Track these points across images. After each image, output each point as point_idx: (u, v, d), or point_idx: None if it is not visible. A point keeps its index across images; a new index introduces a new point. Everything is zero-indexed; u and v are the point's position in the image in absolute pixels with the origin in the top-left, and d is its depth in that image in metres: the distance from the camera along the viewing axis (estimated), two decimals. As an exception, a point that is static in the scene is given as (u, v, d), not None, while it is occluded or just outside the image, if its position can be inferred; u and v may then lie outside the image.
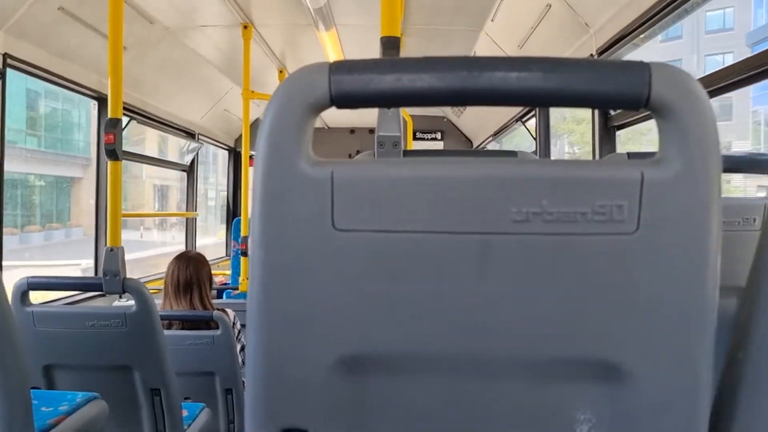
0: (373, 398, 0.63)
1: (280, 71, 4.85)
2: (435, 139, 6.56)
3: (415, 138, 6.34)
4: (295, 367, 0.61)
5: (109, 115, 2.07)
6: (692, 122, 0.55)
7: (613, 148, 2.91)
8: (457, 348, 0.61)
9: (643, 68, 0.55)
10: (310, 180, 0.58)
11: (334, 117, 6.30)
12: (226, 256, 6.22)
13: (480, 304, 0.59)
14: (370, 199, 0.58)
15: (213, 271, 2.78)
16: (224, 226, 6.58)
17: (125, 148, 2.31)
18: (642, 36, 2.49)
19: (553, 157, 4.02)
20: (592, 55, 2.82)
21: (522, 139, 5.27)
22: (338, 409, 0.62)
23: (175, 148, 5.36)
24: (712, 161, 0.56)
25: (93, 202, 3.71)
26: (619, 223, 0.57)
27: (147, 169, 6.83)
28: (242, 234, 4.13)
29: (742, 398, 0.64)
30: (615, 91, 0.56)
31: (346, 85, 0.57)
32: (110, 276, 1.88)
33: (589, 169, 0.58)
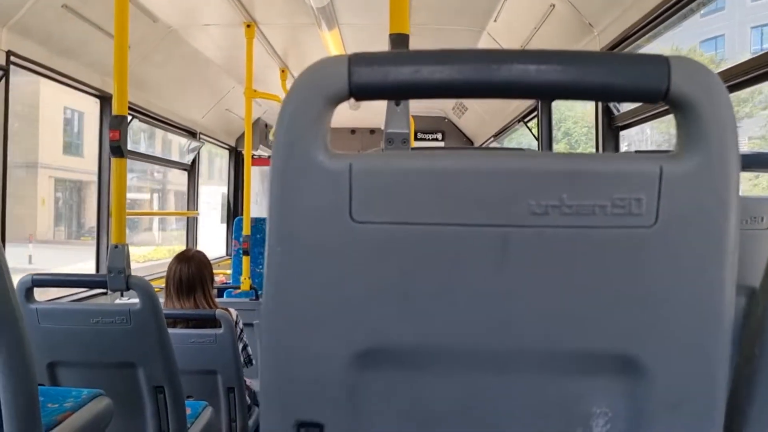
0: (389, 392, 0.63)
1: (282, 70, 4.85)
2: (436, 139, 6.57)
3: (416, 138, 6.35)
4: (311, 360, 0.61)
5: (114, 112, 2.06)
6: (711, 117, 0.55)
7: (616, 149, 2.92)
8: (474, 341, 0.61)
9: (662, 62, 0.55)
10: (329, 172, 0.58)
11: (335, 117, 6.28)
12: (227, 255, 6.21)
13: (497, 296, 0.59)
14: (388, 191, 0.58)
15: (214, 271, 2.78)
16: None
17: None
18: (646, 36, 2.49)
19: None
20: None
21: (523, 139, 5.27)
22: (354, 403, 0.62)
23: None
24: (731, 157, 0.56)
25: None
26: (637, 217, 0.57)
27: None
28: (243, 233, 4.12)
29: (756, 397, 0.64)
30: (633, 84, 0.56)
31: (366, 77, 0.57)
32: (115, 273, 1.87)
33: (609, 163, 0.58)
